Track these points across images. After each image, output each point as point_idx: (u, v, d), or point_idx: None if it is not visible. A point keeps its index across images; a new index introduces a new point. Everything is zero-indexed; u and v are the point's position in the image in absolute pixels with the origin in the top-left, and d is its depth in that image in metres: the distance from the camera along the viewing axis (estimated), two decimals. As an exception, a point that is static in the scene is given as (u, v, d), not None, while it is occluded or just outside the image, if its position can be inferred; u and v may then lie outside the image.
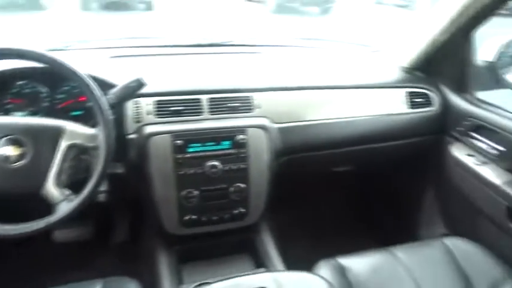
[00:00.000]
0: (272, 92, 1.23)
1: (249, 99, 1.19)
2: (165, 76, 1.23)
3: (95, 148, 0.91)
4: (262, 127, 1.17)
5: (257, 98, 1.20)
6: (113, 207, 1.49)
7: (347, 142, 1.31)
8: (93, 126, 0.93)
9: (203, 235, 1.17)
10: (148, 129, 1.09)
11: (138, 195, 1.19)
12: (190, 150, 1.10)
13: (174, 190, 1.11)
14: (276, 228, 1.29)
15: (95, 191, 0.89)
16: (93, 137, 0.91)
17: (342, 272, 1.04)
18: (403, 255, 1.12)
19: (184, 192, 1.11)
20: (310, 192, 1.47)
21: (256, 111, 1.19)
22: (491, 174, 1.21)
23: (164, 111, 1.12)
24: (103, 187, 0.99)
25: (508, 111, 1.25)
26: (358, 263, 1.07)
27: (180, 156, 1.09)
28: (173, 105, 1.12)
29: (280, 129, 1.21)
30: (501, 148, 1.22)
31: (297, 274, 0.89)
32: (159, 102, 1.12)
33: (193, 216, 1.13)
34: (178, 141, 1.09)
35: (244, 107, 1.18)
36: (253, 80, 1.25)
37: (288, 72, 1.35)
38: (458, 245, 1.16)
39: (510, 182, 1.17)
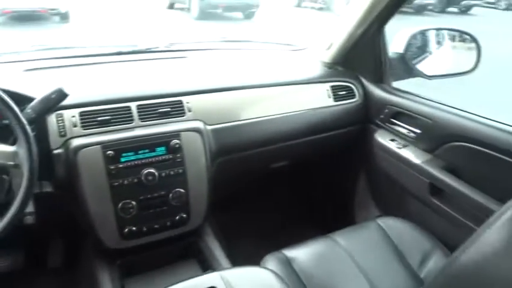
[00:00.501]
0: (202, 94, 1.23)
1: (180, 103, 1.18)
2: (89, 86, 1.18)
3: (17, 166, 0.85)
4: (196, 130, 1.16)
5: (188, 101, 1.19)
6: (44, 229, 1.39)
7: (279, 138, 1.35)
8: (13, 143, 0.87)
9: (146, 246, 1.14)
10: (76, 142, 1.04)
11: (71, 213, 1.13)
12: (124, 160, 1.07)
13: (109, 203, 1.06)
14: (220, 230, 1.29)
15: (20, 213, 0.83)
16: (13, 155, 0.85)
17: (288, 263, 1.07)
18: (342, 239, 1.17)
19: (121, 204, 1.07)
20: (251, 190, 1.50)
21: (188, 115, 1.18)
22: (411, 155, 1.32)
23: (91, 122, 1.07)
24: (29, 208, 0.93)
25: (420, 97, 1.37)
26: (302, 253, 1.11)
27: (113, 167, 1.05)
28: (100, 115, 1.08)
29: (213, 130, 1.22)
30: (417, 131, 1.34)
31: (244, 269, 0.90)
32: (84, 113, 1.07)
33: (133, 228, 1.10)
34: (110, 152, 1.05)
35: (176, 111, 1.17)
36: (182, 83, 1.24)
37: (216, 74, 1.36)
38: (391, 224, 1.24)
39: (429, 161, 1.28)
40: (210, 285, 0.83)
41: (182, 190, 1.14)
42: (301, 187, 1.58)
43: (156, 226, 1.13)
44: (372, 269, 1.10)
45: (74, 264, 1.34)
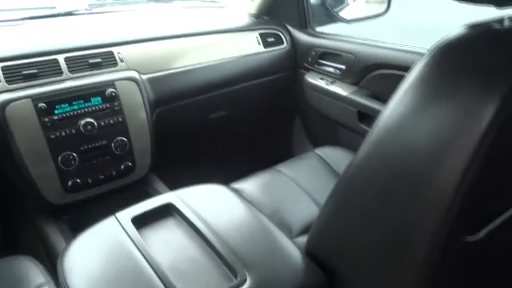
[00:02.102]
0: (133, 44, 1.22)
1: (110, 54, 1.16)
2: (10, 42, 1.12)
3: None
4: (131, 79, 1.16)
5: (119, 51, 1.18)
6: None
7: (215, 86, 1.38)
8: None
9: (94, 198, 1.12)
10: (1, 98, 0.99)
11: (7, 174, 1.08)
12: (58, 111, 1.04)
13: (49, 157, 1.03)
14: (168, 178, 1.30)
15: None
16: None
17: (237, 193, 1.12)
18: (286, 169, 1.24)
19: (61, 157, 1.04)
20: (193, 141, 1.51)
21: (121, 65, 1.17)
22: (339, 89, 1.42)
23: (15, 76, 1.02)
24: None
25: (342, 36, 1.48)
26: (249, 185, 1.16)
27: (47, 119, 1.02)
28: (25, 69, 1.04)
29: (149, 79, 1.22)
30: (343, 67, 1.45)
31: (199, 187, 0.93)
32: (6, 68, 1.02)
33: (78, 180, 1.08)
34: (42, 104, 1.01)
35: (107, 62, 1.15)
36: (112, 35, 1.22)
37: (146, 25, 1.35)
38: (327, 153, 1.34)
39: (355, 92, 1.39)
40: (166, 202, 0.85)
41: (124, 139, 1.13)
42: (241, 134, 1.63)
43: (101, 177, 1.12)
44: (316, 190, 1.18)
45: (17, 228, 1.28)
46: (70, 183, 1.07)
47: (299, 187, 1.18)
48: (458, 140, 0.57)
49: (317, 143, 1.54)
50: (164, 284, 0.67)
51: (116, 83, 1.13)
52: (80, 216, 1.13)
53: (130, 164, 1.16)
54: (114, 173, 1.14)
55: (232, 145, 1.64)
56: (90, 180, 1.10)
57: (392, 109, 0.65)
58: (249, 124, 1.63)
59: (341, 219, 0.73)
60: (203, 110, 1.44)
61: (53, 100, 1.03)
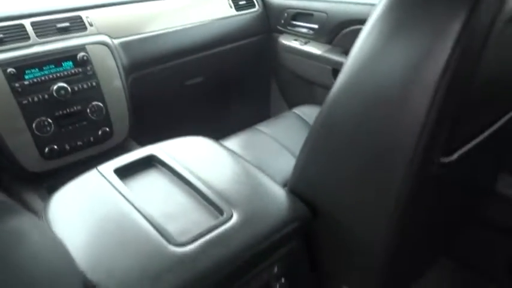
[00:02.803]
0: (102, 8, 1.20)
1: (79, 18, 1.13)
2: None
3: None
4: (102, 43, 1.13)
5: (87, 15, 1.15)
6: None
7: (189, 50, 1.37)
8: None
9: (73, 165, 1.10)
10: None
11: None
12: (28, 76, 1.01)
13: (23, 123, 1.01)
14: (147, 144, 1.29)
15: None
16: None
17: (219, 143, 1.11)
18: (265, 128, 1.25)
19: (35, 123, 1.02)
20: (172, 106, 1.50)
21: (90, 29, 1.14)
22: (314, 49, 1.43)
23: None
24: None
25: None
26: (230, 143, 1.16)
27: (17, 84, 0.99)
28: None
29: (121, 44, 1.19)
30: (316, 26, 1.45)
31: (181, 138, 0.93)
32: None
33: (55, 146, 1.06)
34: (11, 70, 0.98)
35: (76, 26, 1.12)
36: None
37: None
38: (305, 111, 1.35)
39: (329, 50, 1.40)
40: (148, 153, 0.85)
41: (100, 104, 1.12)
42: (219, 100, 1.63)
43: (79, 143, 1.10)
44: (295, 146, 1.19)
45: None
46: (47, 149, 1.05)
47: (279, 143, 1.19)
48: (427, 61, 0.59)
49: (294, 103, 1.55)
50: (153, 226, 0.67)
51: (87, 47, 1.10)
52: (60, 184, 1.11)
53: (107, 129, 1.14)
54: (91, 138, 1.12)
55: (210, 111, 1.64)
56: (67, 147, 1.08)
57: (363, 40, 0.67)
58: (226, 89, 1.62)
59: (321, 153, 0.74)
60: (178, 76, 1.42)
61: (22, 65, 1.00)
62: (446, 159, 0.67)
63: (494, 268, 1.17)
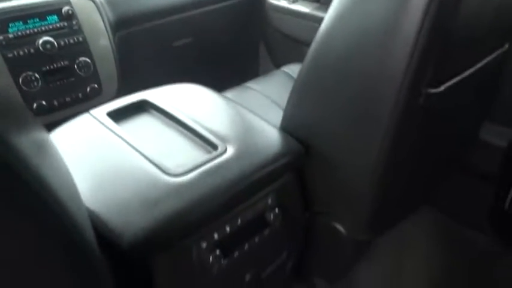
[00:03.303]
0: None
1: (62, -28, 1.11)
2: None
3: None
4: (87, -2, 1.11)
5: (71, -30, 1.13)
6: None
7: (176, 8, 1.35)
8: None
9: (63, 122, 1.09)
10: None
11: None
12: (12, 30, 0.99)
13: (9, 78, 0.99)
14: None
15: None
16: None
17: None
18: (255, 85, 1.26)
19: (22, 77, 1.00)
20: (160, 67, 1.49)
21: (75, -16, 1.12)
22: (302, 7, 1.43)
23: None
24: None
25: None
26: None
27: (1, 37, 0.97)
28: None
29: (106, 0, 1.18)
30: (303, -16, 1.45)
31: (174, 85, 0.93)
32: None
33: (43, 102, 1.05)
34: None
35: (59, -20, 1.10)
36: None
37: None
38: (293, 69, 1.36)
39: (317, 8, 1.40)
40: (141, 99, 0.85)
41: (87, 59, 1.10)
42: (207, 61, 1.63)
43: (67, 99, 1.09)
44: (284, 101, 1.20)
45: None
46: (35, 105, 1.04)
47: (269, 99, 1.20)
48: None
49: (283, 63, 1.55)
50: (150, 161, 0.68)
51: (72, 1, 1.08)
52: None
53: (96, 86, 1.13)
54: (80, 95, 1.11)
55: (199, 72, 1.63)
56: (56, 103, 1.07)
57: None
58: (214, 50, 1.61)
59: (311, 92, 0.75)
60: (166, 36, 1.41)
61: (5, 18, 0.98)
62: (433, 91, 0.69)
63: (476, 216, 1.21)
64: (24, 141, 0.36)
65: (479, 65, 0.80)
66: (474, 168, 1.15)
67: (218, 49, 1.63)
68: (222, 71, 1.69)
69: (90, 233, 0.46)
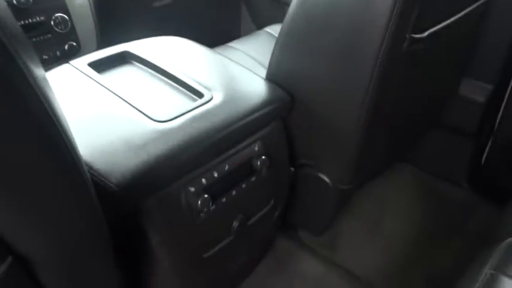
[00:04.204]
0: None
1: None
2: None
3: None
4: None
5: None
6: None
7: None
8: None
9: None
10: None
11: None
12: (-17, -16, 0.94)
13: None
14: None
15: None
16: None
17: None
18: (239, 45, 1.24)
19: None
20: (140, 28, 1.46)
21: None
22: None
23: None
24: None
25: None
26: None
27: (-29, -11, 0.93)
28: None
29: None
30: None
31: (155, 38, 0.91)
32: None
33: (19, 59, 1.01)
34: None
35: None
36: None
37: None
38: (277, 29, 1.34)
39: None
40: (122, 50, 0.83)
41: (64, 15, 1.06)
42: (188, 24, 1.60)
43: (44, 57, 1.05)
44: (267, 61, 1.20)
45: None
46: (11, 62, 1.00)
47: (253, 59, 1.19)
48: None
49: (264, 24, 1.54)
50: (136, 108, 0.67)
51: (45, -47, 1.03)
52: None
53: (74, 44, 1.10)
54: (58, 53, 1.07)
55: (180, 33, 1.60)
56: (33, 60, 1.04)
57: None
58: (195, 12, 1.58)
59: (296, 42, 0.75)
60: None
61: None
62: (417, 36, 0.70)
63: (454, 171, 1.26)
64: (35, 69, 0.36)
65: (460, 15, 0.81)
66: (452, 124, 1.18)
67: (199, 11, 1.60)
68: (203, 33, 1.67)
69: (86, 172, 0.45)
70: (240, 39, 1.30)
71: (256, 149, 0.72)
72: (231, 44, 1.26)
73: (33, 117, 0.34)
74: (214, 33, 1.69)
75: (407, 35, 0.69)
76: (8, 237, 0.35)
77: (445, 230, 1.14)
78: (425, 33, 0.72)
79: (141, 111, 0.66)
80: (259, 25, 1.64)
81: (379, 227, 1.13)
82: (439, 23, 0.76)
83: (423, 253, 1.07)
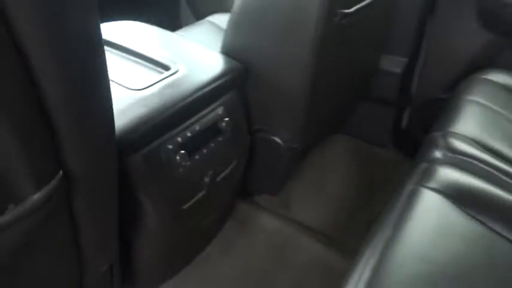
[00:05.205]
0: None
1: None
2: None
3: None
4: None
5: None
6: None
7: None
8: None
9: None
10: None
11: None
12: None
13: None
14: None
15: None
16: None
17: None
18: (187, 34, 1.33)
19: None
20: None
21: None
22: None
23: None
24: None
25: None
26: None
27: None
28: None
29: None
30: None
31: (111, 22, 0.97)
32: None
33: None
34: None
35: None
36: None
37: None
38: (219, 18, 1.45)
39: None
40: None
41: None
42: (125, 14, 1.64)
43: None
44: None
45: None
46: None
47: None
48: None
49: (204, 14, 1.61)
50: (113, 81, 0.74)
51: None
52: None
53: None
54: None
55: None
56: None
57: None
58: (132, 3, 1.63)
59: (248, 15, 0.87)
60: None
61: None
62: (345, 11, 0.86)
63: (381, 135, 1.46)
64: None
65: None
66: (376, 95, 1.38)
67: (136, 1, 1.65)
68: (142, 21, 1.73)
69: None
70: (184, 29, 1.38)
71: (220, 112, 0.83)
72: (180, 31, 1.34)
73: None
74: (154, 24, 1.75)
75: (338, 11, 0.84)
76: (61, 154, 0.42)
77: (379, 184, 1.33)
78: (352, 9, 0.88)
79: (117, 83, 0.74)
80: (199, 15, 1.73)
81: (324, 187, 1.29)
82: (363, 1, 0.93)
83: (363, 204, 1.24)
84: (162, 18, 1.79)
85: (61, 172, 0.41)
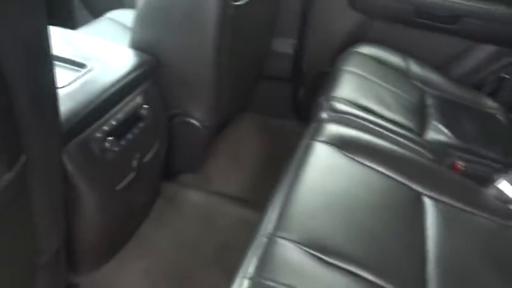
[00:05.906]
0: None
1: None
2: None
3: None
4: None
5: None
6: None
7: None
8: None
9: None
10: None
11: None
12: None
13: None
14: None
15: None
16: None
17: None
18: (87, 30, 1.36)
19: None
20: None
21: None
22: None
23: None
24: None
25: None
26: None
27: None
28: None
29: None
30: None
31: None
32: None
33: None
34: None
35: None
36: None
37: None
38: (118, 14, 1.49)
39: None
40: None
41: None
42: None
43: None
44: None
45: None
46: None
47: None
48: None
49: (100, 11, 1.63)
50: None
51: None
52: None
53: None
54: None
55: None
56: None
57: None
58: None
59: (155, 13, 0.98)
60: None
61: None
62: (236, 3, 1.00)
63: (283, 109, 1.66)
64: None
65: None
66: (273, 74, 1.57)
67: None
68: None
69: None
70: (84, 27, 1.40)
71: (139, 101, 0.93)
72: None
73: None
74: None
75: (231, 4, 0.99)
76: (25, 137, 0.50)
77: (286, 152, 1.52)
78: (243, 1, 1.03)
79: None
80: (95, 13, 1.73)
81: (238, 159, 1.45)
82: None
83: (273, 171, 1.43)
84: (55, 18, 1.77)
85: (24, 156, 0.49)
